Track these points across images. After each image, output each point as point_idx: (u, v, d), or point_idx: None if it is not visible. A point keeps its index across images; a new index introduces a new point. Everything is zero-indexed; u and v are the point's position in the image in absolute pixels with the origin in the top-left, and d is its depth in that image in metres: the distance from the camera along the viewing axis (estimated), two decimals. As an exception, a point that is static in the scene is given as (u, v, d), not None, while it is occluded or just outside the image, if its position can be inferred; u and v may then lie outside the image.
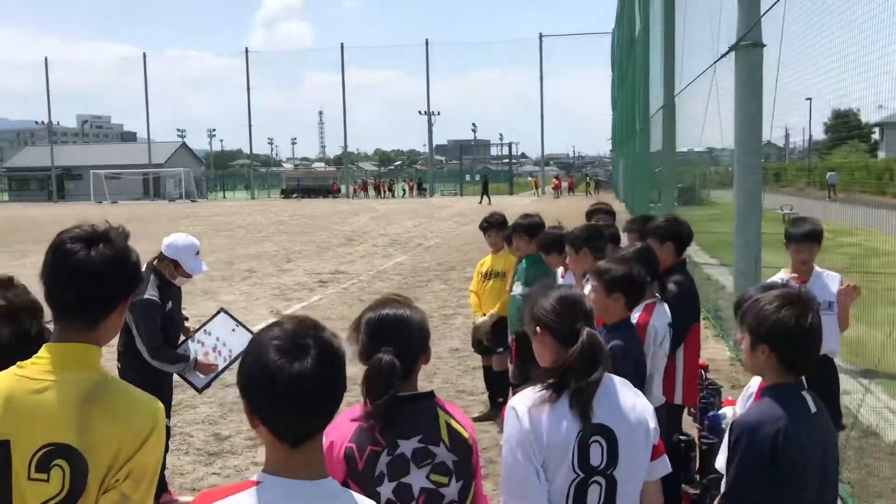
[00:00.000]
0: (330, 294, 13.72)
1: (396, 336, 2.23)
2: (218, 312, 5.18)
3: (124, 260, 1.99)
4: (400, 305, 2.32)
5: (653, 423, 2.46)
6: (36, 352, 2.06)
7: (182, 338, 5.06)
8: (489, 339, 6.60)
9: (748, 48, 8.08)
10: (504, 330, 6.36)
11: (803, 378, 2.51)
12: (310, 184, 71.99)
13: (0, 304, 2.25)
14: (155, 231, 29.44)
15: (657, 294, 4.12)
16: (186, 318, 5.28)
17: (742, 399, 3.13)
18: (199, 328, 5.09)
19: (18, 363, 1.94)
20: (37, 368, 1.91)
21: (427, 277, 15.64)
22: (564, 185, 64.77)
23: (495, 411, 6.68)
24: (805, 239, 4.86)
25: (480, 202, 49.99)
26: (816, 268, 5.04)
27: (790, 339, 2.41)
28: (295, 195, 67.17)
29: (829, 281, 4.98)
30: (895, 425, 6.27)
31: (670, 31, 14.65)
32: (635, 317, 3.79)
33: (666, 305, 4.11)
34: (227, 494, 1.62)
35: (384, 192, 69.91)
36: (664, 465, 2.54)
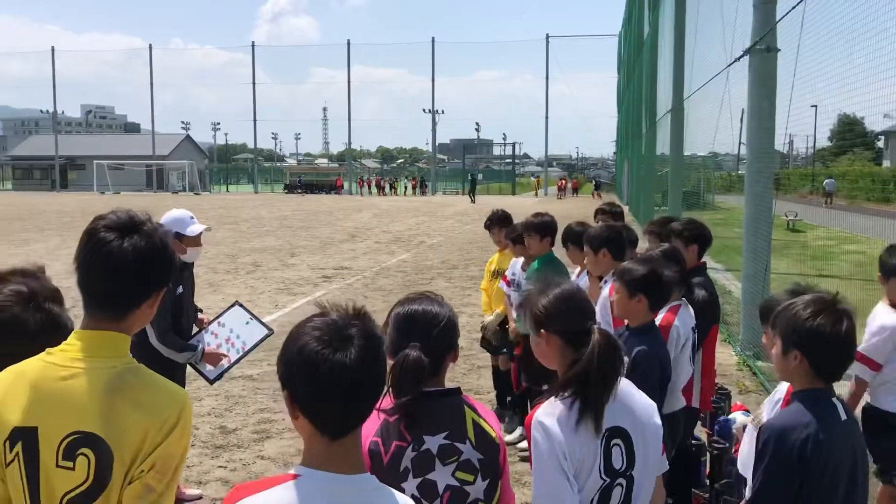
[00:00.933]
0: (334, 290, 13.70)
1: (425, 332, 2.21)
2: (232, 305, 5.18)
3: (158, 252, 1.96)
4: (430, 301, 2.30)
5: (658, 419, 2.46)
6: (58, 339, 2.04)
7: (196, 329, 5.04)
8: (496, 338, 6.58)
9: (762, 53, 8.06)
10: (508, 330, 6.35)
11: (833, 385, 2.48)
12: (313, 179, 72.00)
13: (23, 291, 2.23)
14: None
15: (682, 297, 4.09)
16: (200, 310, 5.25)
17: (769, 404, 3.10)
18: (214, 320, 5.09)
19: (47, 350, 1.92)
20: (65, 355, 1.89)
21: (430, 275, 15.62)
22: (568, 185, 64.74)
23: (503, 410, 6.67)
24: None
25: (473, 201, 50.13)
26: None
27: (824, 346, 2.38)
28: (298, 190, 67.19)
29: None
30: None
31: (681, 34, 14.61)
32: (659, 318, 3.75)
33: (691, 308, 4.08)
34: (265, 488, 1.60)
35: (386, 189, 69.66)
36: (665, 462, 2.55)
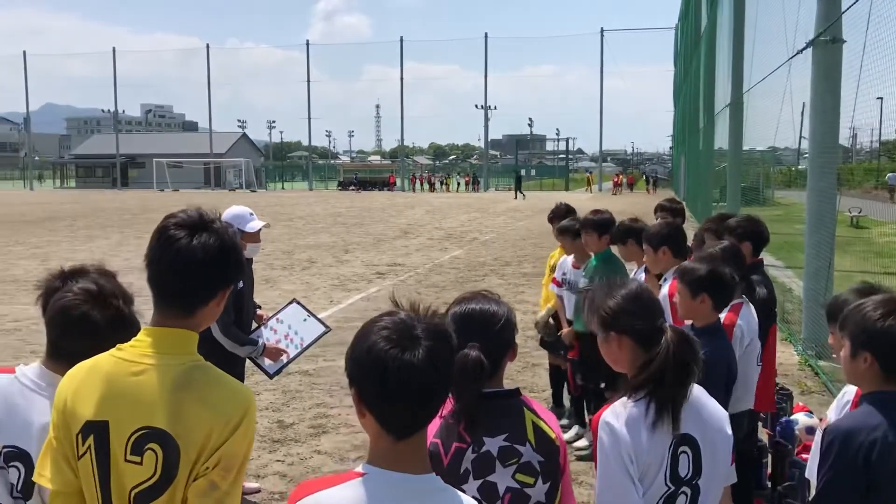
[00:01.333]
0: (387, 286, 13.78)
1: (483, 331, 2.18)
2: (290, 302, 5.29)
3: (226, 251, 1.97)
4: (487, 300, 2.27)
5: (729, 429, 2.40)
6: (126, 337, 2.08)
7: (255, 325, 5.13)
8: (549, 334, 6.51)
9: (827, 44, 7.84)
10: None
11: None
12: (366, 176, 72.57)
13: (92, 289, 2.28)
14: (215, 219, 30.07)
15: (743, 295, 4.00)
16: (259, 307, 5.34)
17: (836, 406, 3.01)
18: (272, 316, 5.20)
19: (118, 346, 1.96)
20: (135, 351, 1.93)
21: (483, 272, 15.60)
22: (624, 181, 63.91)
23: (558, 409, 6.62)
24: None
25: (515, 198, 49.83)
26: None
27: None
28: (352, 187, 67.78)
29: None
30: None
31: (740, 26, 14.31)
32: (721, 318, 3.67)
33: (752, 307, 3.99)
34: (332, 485, 1.61)
35: (437, 186, 69.65)
36: (734, 473, 2.49)
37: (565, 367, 6.45)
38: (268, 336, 5.04)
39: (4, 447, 2.20)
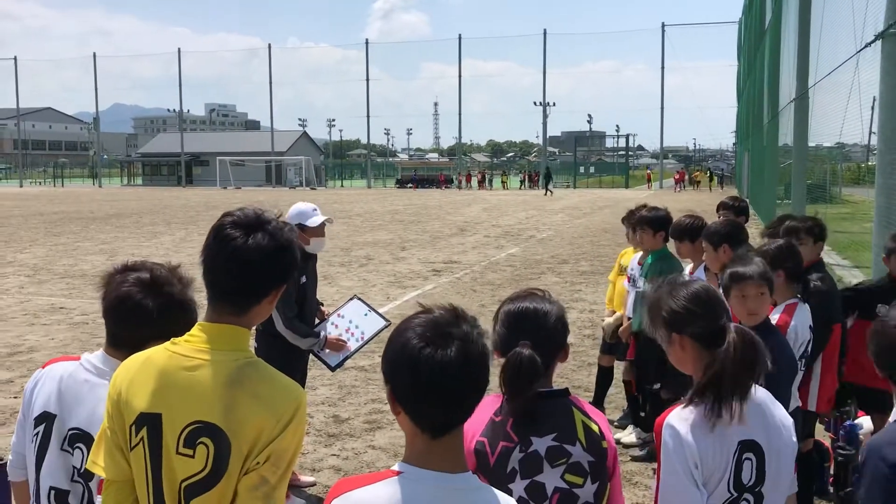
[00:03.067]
0: (443, 283, 13.81)
1: (535, 330, 2.17)
2: (351, 298, 5.39)
3: (281, 250, 1.99)
4: (541, 299, 2.26)
5: (794, 437, 2.34)
6: (181, 322, 2.16)
7: (317, 321, 5.24)
8: (613, 339, 6.43)
9: (896, 37, 7.56)
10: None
11: None
12: (424, 174, 72.87)
13: (145, 278, 2.35)
14: (276, 216, 30.57)
15: (798, 294, 3.90)
16: (322, 304, 5.44)
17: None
18: (334, 312, 5.32)
19: (172, 339, 2.00)
20: (189, 346, 1.96)
21: (540, 270, 15.52)
22: (686, 178, 62.88)
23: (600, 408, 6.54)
24: None
25: (545, 194, 49.45)
26: None
27: None
28: (410, 185, 68.15)
29: None
30: None
31: (805, 19, 13.91)
32: (775, 318, 3.59)
33: (807, 307, 3.88)
34: (367, 483, 1.62)
35: (487, 184, 67.50)
36: (796, 482, 2.44)
37: (629, 378, 6.30)
38: (329, 330, 5.14)
39: (70, 430, 2.29)
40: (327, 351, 5.09)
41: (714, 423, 2.18)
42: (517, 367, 2.08)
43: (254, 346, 4.88)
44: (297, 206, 5.11)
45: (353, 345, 5.11)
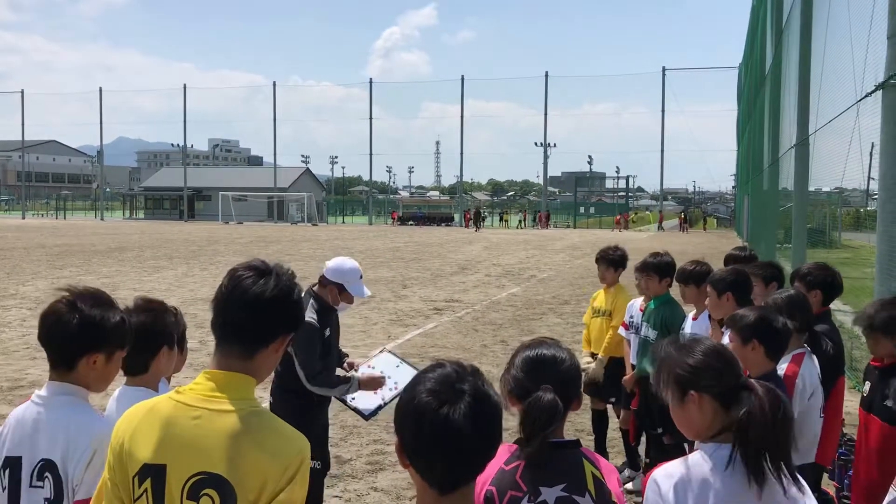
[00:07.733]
0: (445, 322, 13.80)
1: (553, 377, 2.17)
2: (381, 351, 5.31)
3: (287, 295, 2.03)
4: (557, 347, 2.28)
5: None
6: (113, 341, 2.33)
7: (342, 372, 5.01)
8: (601, 382, 6.36)
9: (896, 87, 7.67)
10: (616, 374, 6.13)
11: None
12: (425, 212, 73.12)
13: (66, 296, 2.39)
14: (277, 252, 30.46)
15: (806, 345, 3.91)
16: (346, 355, 5.21)
17: None
18: (364, 363, 5.14)
19: (177, 388, 2.00)
20: (194, 395, 1.96)
21: (541, 310, 15.52)
22: (686, 221, 63.66)
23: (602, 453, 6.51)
24: None
25: (476, 230, 52.20)
26: None
27: None
28: (410, 222, 68.36)
29: None
30: None
31: (806, 66, 14.09)
32: (782, 368, 3.60)
33: (815, 357, 3.89)
34: None
35: (480, 222, 61.85)
36: None
37: (626, 426, 6.27)
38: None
39: (38, 463, 2.30)
40: (358, 396, 4.85)
41: (749, 482, 2.07)
42: (539, 409, 2.07)
43: (269, 401, 4.72)
44: (346, 264, 4.79)
45: (387, 395, 4.89)
